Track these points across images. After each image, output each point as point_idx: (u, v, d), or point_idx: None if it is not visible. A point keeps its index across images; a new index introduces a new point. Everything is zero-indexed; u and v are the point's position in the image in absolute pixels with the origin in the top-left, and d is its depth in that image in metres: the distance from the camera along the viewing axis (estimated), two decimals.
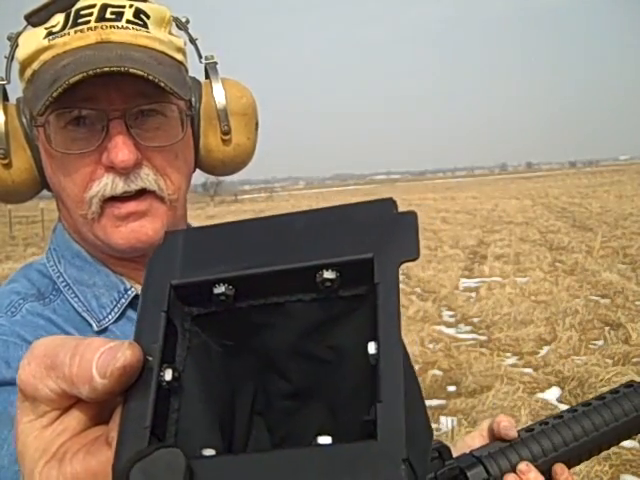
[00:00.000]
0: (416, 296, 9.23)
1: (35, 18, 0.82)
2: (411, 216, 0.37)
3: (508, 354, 6.42)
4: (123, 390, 0.33)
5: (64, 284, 0.86)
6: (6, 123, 0.83)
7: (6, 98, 0.85)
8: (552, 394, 5.24)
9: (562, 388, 5.30)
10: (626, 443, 4.28)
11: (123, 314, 0.85)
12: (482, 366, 5.81)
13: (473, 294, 9.19)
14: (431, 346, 6.67)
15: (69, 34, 0.78)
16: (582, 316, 7.27)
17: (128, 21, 0.79)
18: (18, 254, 18.75)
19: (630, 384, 0.81)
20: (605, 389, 4.76)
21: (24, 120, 0.83)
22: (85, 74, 0.72)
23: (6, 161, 0.82)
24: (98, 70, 0.72)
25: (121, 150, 0.77)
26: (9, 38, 0.83)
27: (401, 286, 10.08)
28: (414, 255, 0.35)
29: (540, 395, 5.18)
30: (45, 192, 0.91)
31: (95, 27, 0.78)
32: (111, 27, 0.78)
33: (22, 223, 34.04)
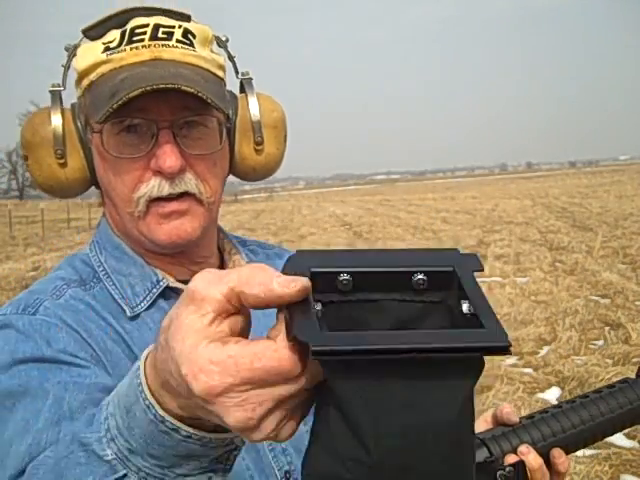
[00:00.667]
0: None
1: (92, 32, 0.91)
2: (473, 253, 0.59)
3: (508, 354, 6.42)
4: (289, 302, 0.48)
5: (104, 273, 0.95)
6: (63, 126, 0.92)
7: (61, 103, 0.94)
8: (552, 394, 5.23)
9: (562, 388, 5.30)
10: (626, 443, 4.27)
11: (154, 303, 0.93)
12: None
13: None
14: None
15: (125, 50, 0.87)
16: (582, 316, 7.27)
17: (177, 40, 0.89)
18: (18, 254, 18.76)
19: (625, 380, 0.86)
20: None
21: (79, 124, 0.92)
22: (143, 90, 0.81)
23: (62, 161, 0.92)
24: (154, 86, 0.82)
25: (169, 157, 0.86)
26: (66, 49, 0.92)
27: None
28: (481, 268, 0.58)
29: (540, 395, 5.18)
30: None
31: (149, 45, 0.87)
32: (163, 46, 0.88)
33: (22, 223, 34.04)
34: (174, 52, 0.88)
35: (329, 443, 0.49)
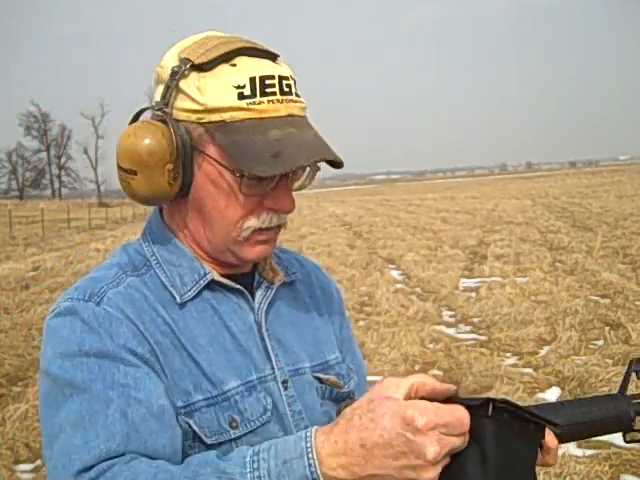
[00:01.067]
0: (416, 296, 9.24)
1: (206, 66, 0.97)
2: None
3: (508, 354, 6.42)
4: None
5: (156, 262, 1.05)
6: (178, 149, 0.99)
7: (167, 123, 0.99)
8: (552, 394, 5.23)
9: (562, 388, 5.30)
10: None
11: (200, 294, 1.04)
12: (482, 366, 5.81)
13: (473, 294, 9.19)
14: (431, 346, 6.67)
15: (263, 103, 0.96)
16: (582, 316, 7.27)
17: (296, 94, 1.01)
18: (18, 254, 18.75)
19: (608, 395, 1.00)
20: (605, 389, 4.75)
21: (185, 145, 0.99)
22: (306, 162, 0.96)
23: (174, 182, 0.99)
24: (318, 158, 0.97)
25: (289, 201, 1.02)
26: (175, 72, 0.98)
27: (401, 286, 10.10)
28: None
29: (540, 395, 5.18)
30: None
31: (281, 100, 0.98)
32: (291, 101, 0.99)
33: (22, 223, 34.03)
34: (297, 107, 1.01)
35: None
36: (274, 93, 0.97)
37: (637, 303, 7.88)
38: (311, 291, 1.20)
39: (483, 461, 0.77)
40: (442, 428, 0.75)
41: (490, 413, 0.77)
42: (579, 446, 4.20)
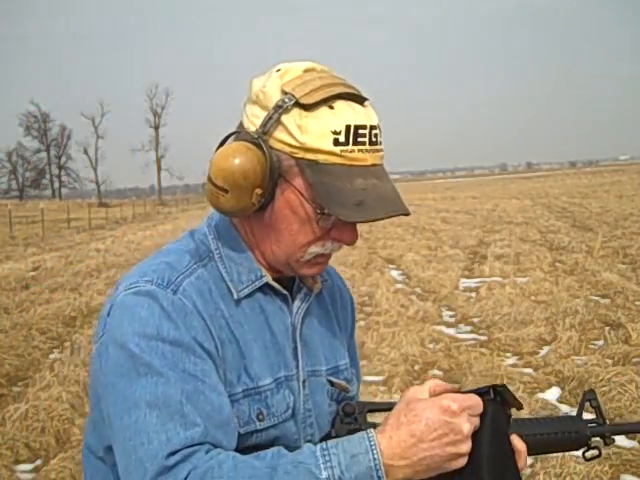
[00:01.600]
0: (416, 296, 9.24)
1: (308, 106, 1.04)
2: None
3: (508, 354, 6.42)
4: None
5: (219, 255, 1.13)
6: (271, 176, 1.06)
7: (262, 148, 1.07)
8: (552, 394, 5.24)
9: (562, 388, 5.30)
10: (626, 443, 4.27)
11: (253, 294, 1.13)
12: (482, 366, 5.80)
13: (473, 294, 9.19)
14: (431, 346, 6.67)
15: (354, 152, 1.05)
16: (582, 316, 7.26)
17: (380, 143, 1.09)
18: (18, 254, 18.76)
19: (572, 417, 1.17)
20: (605, 389, 4.74)
21: (269, 165, 1.06)
22: (384, 216, 1.05)
23: (259, 204, 1.07)
24: (394, 214, 1.05)
25: (354, 234, 1.11)
26: (279, 106, 1.05)
27: (401, 286, 10.09)
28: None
29: (540, 395, 5.18)
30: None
31: (369, 150, 1.06)
32: (376, 151, 1.08)
33: (22, 223, 34.03)
34: (380, 157, 1.09)
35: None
36: (364, 143, 1.06)
37: (637, 303, 7.88)
38: (333, 298, 1.30)
39: (486, 433, 1.02)
40: (469, 410, 0.99)
41: (492, 396, 1.05)
42: None
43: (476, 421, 1.01)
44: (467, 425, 0.98)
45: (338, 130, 1.04)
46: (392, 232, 18.30)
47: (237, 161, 1.05)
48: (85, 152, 74.51)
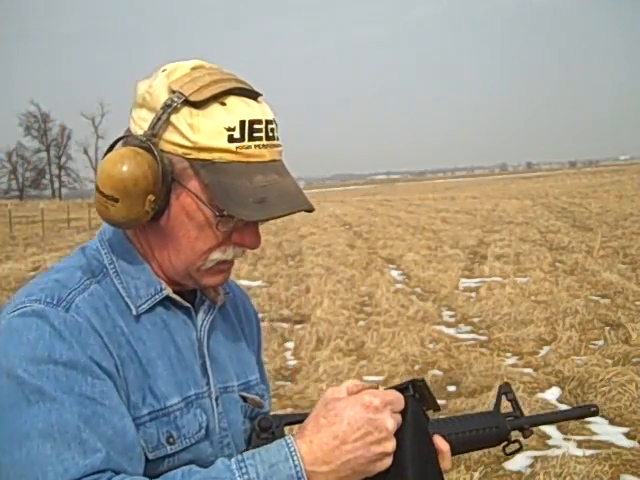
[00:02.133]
0: (416, 296, 9.24)
1: (198, 104, 0.99)
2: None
3: (508, 354, 6.42)
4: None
5: (114, 270, 1.06)
6: (163, 181, 1.00)
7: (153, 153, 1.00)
8: (552, 394, 5.24)
9: (562, 388, 5.29)
10: (626, 443, 4.28)
11: (153, 308, 1.06)
12: (482, 366, 5.80)
13: (473, 294, 9.19)
14: (431, 346, 6.67)
15: (251, 147, 1.00)
16: (582, 316, 7.27)
17: (277, 138, 1.04)
18: (18, 254, 18.75)
19: (490, 412, 1.15)
20: (605, 389, 4.75)
21: (166, 176, 1.00)
22: (287, 212, 1.00)
23: (152, 211, 1.01)
24: (297, 210, 1.01)
25: (256, 238, 1.06)
26: (168, 105, 0.99)
27: (401, 286, 10.09)
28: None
29: (540, 395, 5.18)
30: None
31: (266, 145, 1.01)
32: (274, 146, 1.03)
33: (22, 223, 34.02)
34: (278, 152, 1.05)
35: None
36: (260, 138, 1.01)
37: (637, 303, 7.89)
38: (237, 313, 1.24)
39: (408, 431, 0.99)
40: (390, 405, 0.95)
41: (412, 392, 1.03)
42: (579, 446, 4.21)
43: (399, 417, 0.97)
44: (391, 421, 0.94)
45: (232, 126, 0.99)
46: (392, 232, 18.30)
47: (126, 167, 0.98)
48: (85, 152, 74.59)
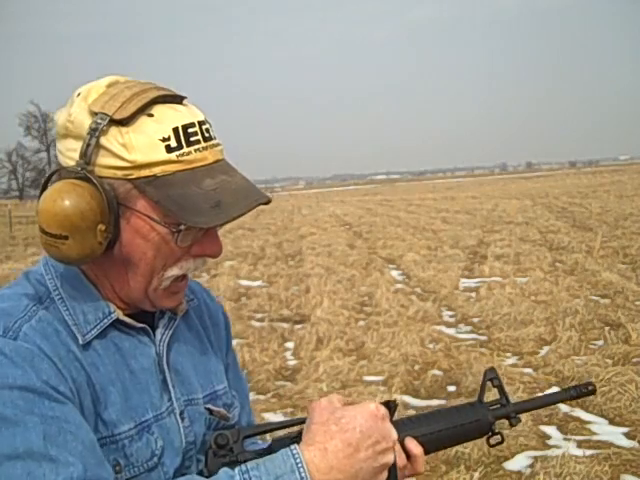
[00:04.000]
0: (416, 296, 9.23)
1: (125, 120, 0.95)
2: None
3: (508, 354, 6.41)
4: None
5: (58, 297, 1.01)
6: (110, 210, 0.96)
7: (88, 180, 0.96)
8: None
9: (562, 388, 5.28)
10: (626, 443, 4.27)
11: (105, 334, 1.02)
12: (482, 366, 5.79)
13: (473, 294, 9.18)
14: (431, 346, 6.66)
15: (192, 153, 0.97)
16: (582, 316, 7.26)
17: (214, 137, 1.01)
18: (18, 254, 18.74)
19: (469, 403, 1.11)
20: (605, 389, 4.75)
21: (111, 203, 0.96)
22: (246, 209, 0.96)
23: (106, 242, 0.97)
24: (255, 204, 0.97)
25: (218, 245, 1.02)
26: (94, 129, 0.94)
27: (401, 286, 10.09)
28: None
29: (540, 395, 5.17)
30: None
31: (206, 147, 0.98)
32: (214, 146, 1.00)
33: (22, 223, 34.00)
34: (219, 151, 1.02)
35: None
36: (198, 141, 0.98)
37: (637, 303, 7.88)
38: (202, 319, 1.20)
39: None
40: (387, 417, 0.97)
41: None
42: (579, 446, 4.21)
43: None
44: (394, 432, 0.95)
45: (166, 136, 0.96)
46: (392, 232, 18.29)
47: (67, 202, 0.93)
48: None
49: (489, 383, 1.12)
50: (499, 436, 1.12)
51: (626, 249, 12.03)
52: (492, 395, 1.15)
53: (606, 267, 10.26)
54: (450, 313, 8.29)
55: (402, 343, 6.59)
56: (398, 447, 1.01)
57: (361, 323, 7.73)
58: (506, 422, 1.15)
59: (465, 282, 10.32)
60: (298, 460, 0.90)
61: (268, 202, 1.00)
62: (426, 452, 1.06)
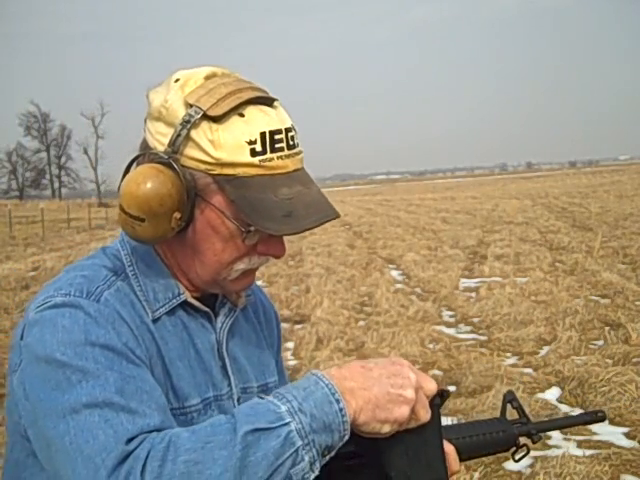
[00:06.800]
0: (416, 296, 9.24)
1: (216, 118, 0.98)
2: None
3: (508, 354, 6.42)
4: None
5: (132, 272, 1.07)
6: (187, 199, 1.00)
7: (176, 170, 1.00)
8: (552, 394, 5.24)
9: (562, 388, 5.30)
10: (626, 443, 4.28)
11: (174, 312, 1.07)
12: (482, 366, 5.80)
13: (473, 294, 9.19)
14: (431, 346, 6.67)
15: (273, 159, 1.00)
16: (582, 316, 7.27)
17: (297, 145, 1.04)
18: (18, 254, 18.74)
19: (496, 418, 1.14)
20: (605, 389, 4.75)
21: (189, 192, 1.00)
22: (315, 224, 1.00)
23: (178, 228, 1.02)
24: (324, 220, 1.01)
25: (282, 247, 1.06)
26: (187, 121, 0.98)
27: (401, 286, 10.09)
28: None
29: (540, 395, 5.18)
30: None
31: (288, 155, 1.02)
32: (296, 154, 1.03)
33: (22, 223, 34.00)
34: (300, 160, 1.05)
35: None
36: (282, 149, 1.01)
37: (637, 303, 7.89)
38: (257, 314, 1.25)
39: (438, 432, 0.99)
40: (421, 389, 0.96)
41: (439, 402, 0.99)
42: (579, 446, 4.21)
43: (424, 401, 0.95)
44: (413, 374, 0.95)
45: (253, 139, 0.99)
46: (392, 232, 18.30)
47: (150, 186, 0.98)
48: (85, 152, 74.47)
49: (509, 405, 1.14)
50: (524, 448, 1.14)
51: (626, 249, 12.04)
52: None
53: (606, 267, 10.27)
54: (450, 313, 8.30)
55: (402, 343, 6.60)
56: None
57: (361, 323, 7.74)
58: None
59: (465, 282, 10.33)
60: (320, 375, 0.90)
61: (338, 217, 1.04)
62: (459, 456, 1.06)
